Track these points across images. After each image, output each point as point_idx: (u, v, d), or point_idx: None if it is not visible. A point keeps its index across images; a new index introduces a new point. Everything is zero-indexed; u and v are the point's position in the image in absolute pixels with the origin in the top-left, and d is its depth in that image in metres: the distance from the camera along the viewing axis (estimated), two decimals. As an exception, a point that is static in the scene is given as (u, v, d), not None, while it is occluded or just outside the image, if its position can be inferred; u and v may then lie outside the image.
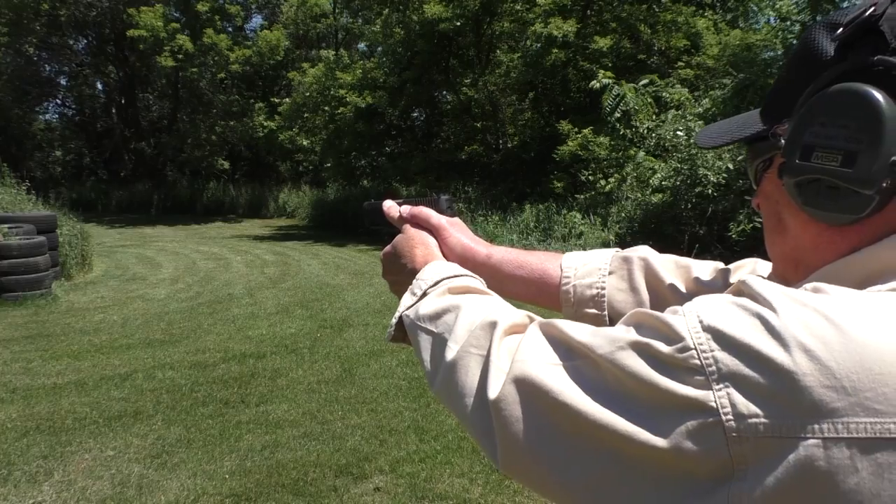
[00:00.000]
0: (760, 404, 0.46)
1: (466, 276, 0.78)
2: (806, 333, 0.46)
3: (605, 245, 8.65)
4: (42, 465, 3.54)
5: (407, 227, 0.92)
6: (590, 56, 11.75)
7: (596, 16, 12.97)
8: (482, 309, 0.67)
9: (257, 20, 25.40)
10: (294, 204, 20.31)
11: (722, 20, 12.59)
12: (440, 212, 0.92)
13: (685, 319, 0.50)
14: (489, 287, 0.79)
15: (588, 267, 0.88)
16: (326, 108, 15.96)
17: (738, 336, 0.48)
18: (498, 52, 15.46)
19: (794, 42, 9.04)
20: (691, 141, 8.08)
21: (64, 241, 9.07)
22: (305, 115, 17.32)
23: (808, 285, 0.52)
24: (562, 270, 0.89)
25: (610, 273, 0.87)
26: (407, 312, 0.75)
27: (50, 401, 4.47)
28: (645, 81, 9.49)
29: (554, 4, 12.33)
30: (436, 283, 0.76)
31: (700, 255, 7.58)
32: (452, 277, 0.76)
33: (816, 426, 0.44)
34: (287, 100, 18.49)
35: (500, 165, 14.27)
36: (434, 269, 0.80)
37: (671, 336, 0.50)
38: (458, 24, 13.52)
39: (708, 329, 0.49)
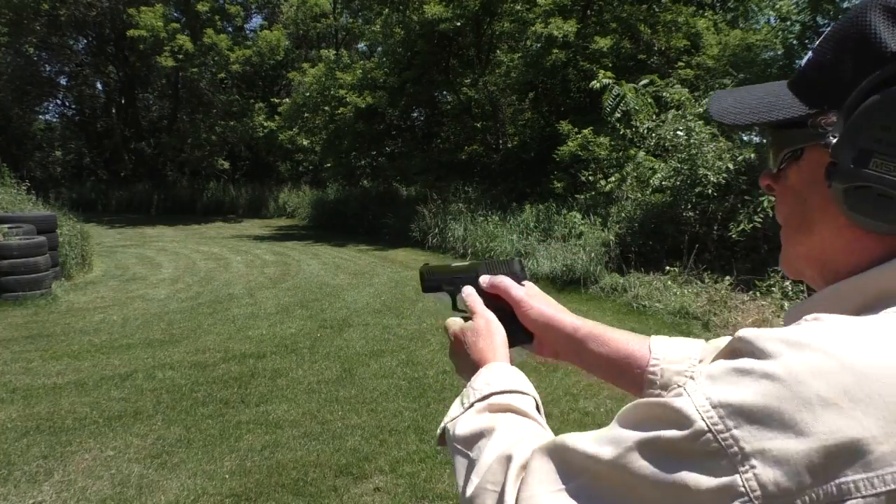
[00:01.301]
0: (791, 478, 0.43)
1: (514, 391, 0.74)
2: (822, 385, 0.43)
3: (605, 244, 8.65)
4: (42, 465, 3.54)
5: (478, 315, 0.86)
6: (590, 56, 11.74)
7: (596, 16, 12.96)
8: (507, 438, 0.65)
9: (257, 20, 25.41)
10: (294, 204, 20.30)
11: (722, 20, 12.59)
12: (513, 275, 0.90)
13: (691, 400, 0.47)
14: (570, 356, 0.77)
15: (679, 353, 0.84)
16: (326, 108, 15.95)
17: (752, 406, 0.44)
18: (498, 52, 15.46)
19: (795, 42, 9.04)
20: (690, 139, 8.07)
21: (64, 241, 9.07)
22: (305, 115, 17.31)
23: (809, 317, 0.50)
24: (650, 352, 0.85)
25: (700, 361, 0.83)
26: (449, 425, 0.73)
27: (50, 401, 4.47)
28: (645, 81, 9.48)
29: (554, 4, 12.32)
30: (483, 398, 0.73)
31: (700, 255, 7.60)
32: (499, 394, 0.73)
33: (852, 485, 0.42)
34: (287, 100, 18.48)
35: (500, 165, 14.26)
36: (487, 377, 0.76)
37: (681, 421, 0.47)
38: (458, 24, 13.51)
39: (719, 405, 0.46)
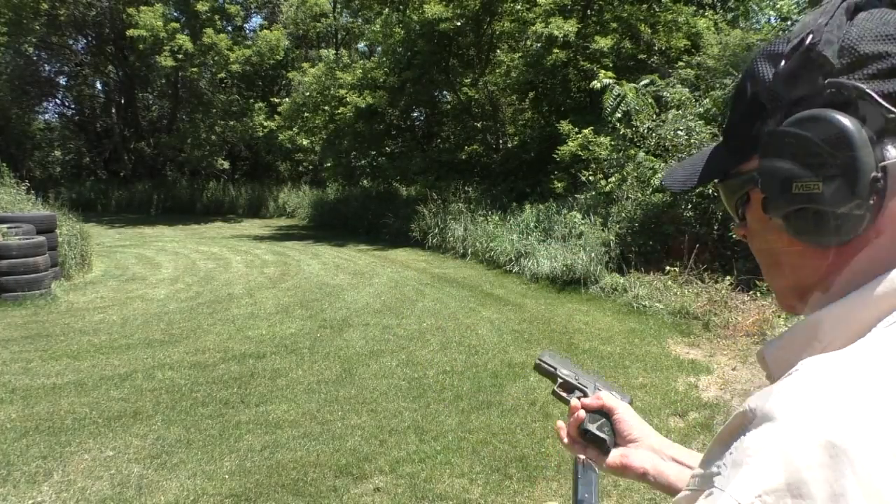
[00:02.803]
0: None
1: None
2: (850, 441, 0.42)
3: (605, 244, 8.64)
4: (41, 465, 3.53)
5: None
6: (590, 56, 11.74)
7: (596, 15, 12.95)
8: None
9: (257, 20, 25.38)
10: (294, 204, 20.29)
11: (722, 20, 12.56)
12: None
13: (731, 496, 0.45)
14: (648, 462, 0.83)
15: None
16: (326, 107, 15.94)
17: (793, 482, 0.43)
18: (498, 52, 15.44)
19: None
20: (690, 139, 8.07)
21: (63, 240, 9.06)
22: (305, 114, 17.29)
23: (802, 365, 0.49)
24: None
25: None
26: None
27: (49, 401, 4.46)
28: (645, 81, 9.47)
29: (554, 4, 12.31)
30: None
31: (700, 255, 7.59)
32: None
33: None
34: (287, 100, 18.46)
35: (500, 165, 14.24)
36: None
37: None
38: (459, 24, 13.49)
39: (763, 493, 0.43)
